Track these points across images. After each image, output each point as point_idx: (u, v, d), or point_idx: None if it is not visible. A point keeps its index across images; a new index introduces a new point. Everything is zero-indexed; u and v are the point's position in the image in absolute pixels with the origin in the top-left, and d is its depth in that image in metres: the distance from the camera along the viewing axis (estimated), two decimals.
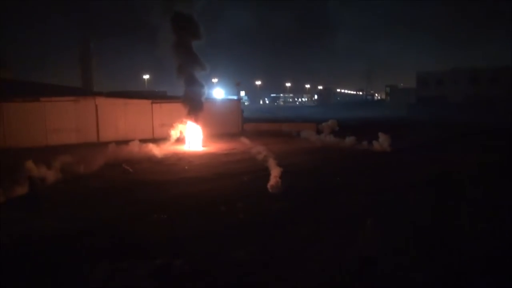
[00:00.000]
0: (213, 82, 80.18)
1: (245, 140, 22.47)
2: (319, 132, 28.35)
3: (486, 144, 22.26)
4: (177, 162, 18.85)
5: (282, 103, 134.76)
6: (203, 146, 23.79)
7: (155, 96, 33.37)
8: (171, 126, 25.19)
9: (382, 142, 21.18)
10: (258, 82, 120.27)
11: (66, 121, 25.56)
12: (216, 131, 28.07)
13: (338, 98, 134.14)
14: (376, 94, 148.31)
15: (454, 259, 7.12)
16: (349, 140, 23.58)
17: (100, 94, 28.49)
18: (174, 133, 25.00)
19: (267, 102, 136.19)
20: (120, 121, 26.56)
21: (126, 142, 22.41)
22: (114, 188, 13.15)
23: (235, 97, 58.47)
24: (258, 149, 19.18)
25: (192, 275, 6.71)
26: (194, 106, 24.18)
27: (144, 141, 23.10)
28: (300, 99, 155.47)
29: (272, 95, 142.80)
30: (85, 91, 33.21)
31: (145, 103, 28.26)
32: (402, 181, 13.59)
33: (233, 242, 8.10)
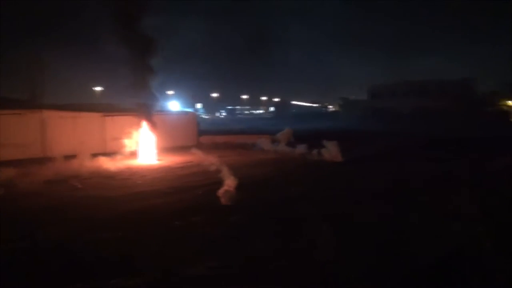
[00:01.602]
0: (168, 95, 79.22)
1: (200, 153, 22.25)
2: (274, 142, 28.70)
3: (434, 154, 23.52)
4: (130, 176, 18.33)
5: (238, 115, 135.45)
6: (157, 160, 23.34)
7: (107, 108, 32.29)
8: (124, 139, 24.58)
9: (331, 149, 21.86)
10: (215, 95, 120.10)
11: (9, 135, 24.10)
12: (171, 144, 27.67)
13: (294, 110, 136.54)
14: (330, 106, 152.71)
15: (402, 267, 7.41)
16: (300, 148, 24.28)
17: (48, 107, 27.15)
18: (127, 147, 24.39)
19: (223, 114, 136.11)
20: (69, 135, 25.39)
21: (75, 156, 21.54)
22: (61, 206, 12.50)
23: (190, 110, 58.02)
24: (214, 162, 19.05)
25: None
26: (148, 119, 23.77)
27: (95, 155, 22.34)
28: (256, 111, 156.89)
29: (228, 107, 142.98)
30: (31, 103, 31.55)
31: (96, 116, 27.30)
32: (354, 191, 14.03)
33: (190, 258, 7.96)
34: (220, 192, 12.33)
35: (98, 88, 72.30)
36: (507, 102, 66.93)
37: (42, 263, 7.82)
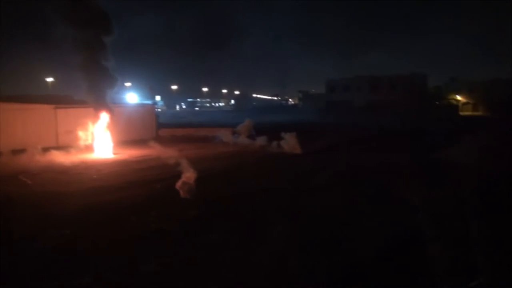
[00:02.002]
0: (126, 86, 76.72)
1: (159, 146, 21.68)
2: (235, 135, 28.52)
3: (383, 145, 24.38)
4: (84, 171, 17.54)
5: (198, 108, 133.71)
6: (114, 154, 22.51)
7: (59, 100, 30.70)
8: (78, 132, 23.51)
9: (289, 141, 22.09)
10: (174, 87, 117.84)
11: None
12: (128, 138, 26.82)
13: (254, 103, 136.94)
14: (290, 99, 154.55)
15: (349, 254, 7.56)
16: (260, 140, 24.42)
17: None
18: (82, 140, 23.36)
19: (184, 107, 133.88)
20: (18, 129, 23.89)
21: (26, 151, 20.35)
22: (8, 203, 11.71)
23: (149, 102, 56.47)
24: (173, 155, 18.62)
25: None
26: (104, 111, 22.82)
27: (47, 149, 21.20)
28: (217, 104, 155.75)
29: (189, 99, 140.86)
30: None
31: (48, 108, 25.85)
32: (313, 182, 14.21)
33: (144, 255, 7.66)
34: (179, 186, 12.03)
35: (50, 79, 68.64)
36: (455, 96, 70.59)
37: None
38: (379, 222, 9.41)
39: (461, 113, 63.40)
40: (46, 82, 72.82)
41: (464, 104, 69.55)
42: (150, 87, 76.39)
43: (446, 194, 10.86)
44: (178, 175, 13.12)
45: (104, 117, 22.81)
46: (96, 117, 22.79)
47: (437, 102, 67.13)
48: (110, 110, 23.00)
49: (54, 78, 72.38)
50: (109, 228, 9.30)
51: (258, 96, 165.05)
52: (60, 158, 20.15)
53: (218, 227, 9.29)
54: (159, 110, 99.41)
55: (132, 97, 61.38)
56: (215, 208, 10.97)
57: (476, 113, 65.37)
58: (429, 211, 9.13)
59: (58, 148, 22.24)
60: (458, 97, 70.38)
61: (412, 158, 18.61)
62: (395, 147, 23.26)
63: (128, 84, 78.60)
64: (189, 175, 12.49)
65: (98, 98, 22.31)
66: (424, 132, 31.89)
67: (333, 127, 39.35)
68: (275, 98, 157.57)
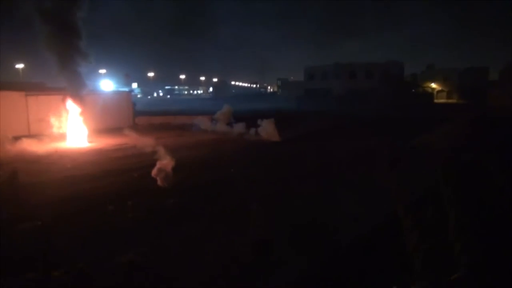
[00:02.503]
0: (100, 73, 74.76)
1: (136, 135, 21.29)
2: (213, 122, 28.25)
3: (361, 132, 24.68)
4: (58, 160, 17.05)
5: (176, 95, 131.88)
6: (88, 142, 21.98)
7: (30, 87, 29.64)
8: (50, 120, 22.83)
9: (267, 128, 22.10)
10: (151, 74, 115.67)
11: None
12: (104, 126, 26.21)
13: (233, 91, 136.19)
14: (269, 87, 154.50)
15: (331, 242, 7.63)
16: (238, 127, 24.37)
17: None
18: (55, 129, 22.70)
19: (161, 94, 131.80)
20: None
21: None
22: None
23: (125, 89, 55.25)
24: (150, 144, 18.31)
25: (72, 285, 6.04)
26: (77, 98, 22.16)
27: (18, 138, 20.48)
28: (195, 92, 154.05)
29: (166, 87, 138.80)
30: None
31: (18, 95, 24.90)
32: (292, 170, 14.25)
33: (121, 245, 7.51)
34: (156, 174, 11.85)
35: (20, 66, 66.18)
36: (430, 84, 71.99)
37: None
38: (355, 209, 9.53)
39: (436, 101, 64.86)
40: (17, 69, 70.22)
41: (438, 91, 71.11)
42: (126, 74, 74.93)
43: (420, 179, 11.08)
44: (155, 164, 12.94)
45: (78, 104, 22.15)
46: (69, 105, 22.10)
47: (413, 90, 68.33)
48: (82, 97, 22.34)
49: (26, 65, 69.88)
50: (84, 218, 9.08)
51: (237, 83, 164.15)
52: (32, 147, 19.52)
53: (195, 215, 9.21)
54: (139, 97, 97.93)
55: (107, 84, 59.88)
56: (193, 196, 10.87)
57: (450, 101, 66.99)
58: (405, 198, 9.27)
59: (30, 136, 21.52)
60: (433, 85, 71.83)
61: (387, 144, 18.91)
62: (372, 134, 23.59)
63: (103, 71, 76.67)
64: (166, 163, 12.32)
65: (71, 84, 21.59)
66: (399, 119, 32.45)
67: (311, 115, 39.56)
68: (254, 85, 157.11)
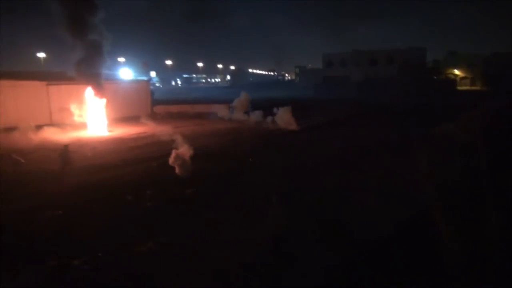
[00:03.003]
0: (120, 62, 75.39)
1: (154, 123, 21.51)
2: (231, 110, 28.11)
3: (382, 120, 24.20)
4: (79, 148, 17.29)
5: (195, 84, 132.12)
6: (108, 131, 22.24)
7: (52, 77, 30.10)
8: (71, 109, 23.18)
9: (283, 116, 21.92)
10: (169, 62, 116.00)
11: None
12: (123, 114, 26.46)
13: (251, 79, 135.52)
14: (287, 75, 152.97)
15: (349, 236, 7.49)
16: (255, 115, 24.39)
17: None
18: (76, 118, 23.05)
19: (179, 83, 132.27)
20: (8, 106, 23.45)
21: (18, 129, 20.03)
22: (2, 182, 11.54)
23: (144, 78, 55.58)
24: (168, 132, 18.43)
25: (93, 274, 6.13)
26: (97, 87, 22.37)
27: (40, 127, 20.90)
28: (213, 80, 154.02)
29: (184, 75, 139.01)
30: None
31: (40, 85, 25.31)
32: (309, 159, 14.08)
33: (140, 235, 7.58)
34: (173, 163, 11.87)
35: (41, 55, 67.30)
36: (453, 71, 69.89)
37: None
38: (376, 203, 9.33)
39: (459, 88, 63.02)
40: (38, 58, 71.48)
41: (462, 78, 69.02)
42: (144, 63, 75.15)
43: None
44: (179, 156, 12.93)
45: (98, 93, 22.37)
46: (89, 94, 22.35)
47: (435, 77, 66.49)
48: (103, 86, 22.53)
49: (47, 54, 71.02)
50: (103, 208, 9.20)
51: (255, 71, 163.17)
52: (53, 135, 19.91)
53: (213, 206, 9.20)
54: (158, 86, 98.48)
55: (126, 73, 60.38)
56: (211, 186, 10.87)
57: (473, 88, 65.02)
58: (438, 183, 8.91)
59: (52, 125, 21.91)
60: (456, 72, 69.75)
61: (409, 133, 18.45)
62: (392, 122, 23.10)
63: (122, 59, 77.27)
64: (183, 152, 12.32)
65: (90, 74, 21.78)
66: (420, 107, 31.68)
67: (330, 103, 39.01)
68: (272, 73, 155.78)
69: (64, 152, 12.77)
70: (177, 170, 11.73)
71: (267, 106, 25.55)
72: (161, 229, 7.86)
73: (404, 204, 8.77)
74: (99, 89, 22.41)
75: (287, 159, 14.35)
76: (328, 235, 7.43)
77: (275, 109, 22.95)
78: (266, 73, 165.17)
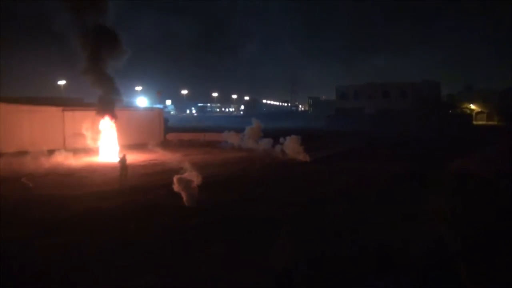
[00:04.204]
0: (136, 91, 77.08)
1: (165, 151, 21.57)
2: (242, 138, 28.02)
3: (395, 153, 23.79)
4: (89, 174, 17.34)
5: (209, 112, 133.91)
6: (119, 157, 22.27)
7: (68, 103, 30.76)
8: (85, 135, 23.40)
9: (291, 145, 21.91)
10: (184, 91, 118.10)
11: None
12: (135, 141, 26.61)
13: (264, 109, 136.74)
14: (300, 106, 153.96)
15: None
16: (264, 142, 24.89)
17: (1, 99, 25.36)
18: (88, 143, 23.24)
19: (194, 111, 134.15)
20: (24, 130, 23.86)
21: (31, 153, 20.22)
22: (6, 206, 11.45)
23: (159, 106, 56.52)
24: (179, 160, 18.38)
25: None
26: (110, 114, 22.65)
27: (53, 151, 21.07)
28: (227, 109, 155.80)
29: (199, 104, 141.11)
30: None
31: (55, 110, 25.81)
32: (319, 192, 13.75)
33: (140, 267, 7.32)
34: (181, 191, 11.68)
35: (61, 82, 69.22)
36: (469, 105, 69.28)
37: None
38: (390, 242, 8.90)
39: (475, 123, 62.22)
40: (59, 85, 73.51)
41: (478, 113, 68.28)
42: (158, 91, 76.55)
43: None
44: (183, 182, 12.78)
45: (111, 120, 22.62)
46: (102, 120, 22.61)
47: (450, 111, 65.94)
48: (114, 113, 22.80)
49: (66, 81, 73.05)
50: (105, 236, 8.98)
51: (268, 102, 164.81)
52: (65, 160, 20.05)
53: (216, 238, 8.92)
54: (172, 113, 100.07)
55: (141, 101, 61.58)
56: (216, 216, 10.60)
57: (490, 123, 64.12)
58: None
59: (65, 150, 22.09)
60: (472, 106, 69.11)
61: (428, 169, 18.04)
62: (406, 156, 22.68)
63: (139, 88, 78.99)
64: (192, 181, 12.14)
65: (105, 101, 22.15)
66: (434, 142, 31.18)
67: (342, 134, 38.76)
68: (285, 104, 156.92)
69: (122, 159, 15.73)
70: (184, 199, 11.53)
71: (278, 136, 25.43)
72: (160, 261, 7.58)
73: (413, 239, 8.34)
74: (112, 116, 22.66)
75: (295, 191, 14.04)
76: (333, 272, 7.05)
77: (281, 139, 22.95)
78: (280, 103, 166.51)
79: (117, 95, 22.81)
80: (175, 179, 11.71)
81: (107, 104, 22.22)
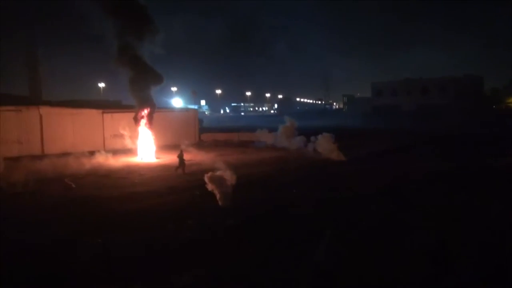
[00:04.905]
0: (172, 91, 78.75)
1: (200, 151, 21.80)
2: (276, 137, 27.88)
3: (434, 152, 22.86)
4: (127, 175, 17.80)
5: (243, 112, 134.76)
6: (156, 158, 22.80)
7: (107, 105, 31.84)
8: (123, 136, 24.07)
9: (324, 143, 21.67)
10: (218, 91, 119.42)
11: (7, 132, 23.67)
12: (171, 142, 27.05)
13: (298, 108, 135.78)
14: (335, 104, 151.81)
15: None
16: (296, 141, 25.04)
17: (45, 103, 26.66)
18: (127, 144, 23.90)
19: (228, 111, 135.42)
20: (67, 132, 24.94)
21: (73, 154, 21.04)
22: (50, 207, 11.94)
23: (194, 107, 57.45)
24: (213, 160, 18.51)
25: None
26: (147, 115, 23.17)
27: (94, 152, 21.82)
28: (260, 108, 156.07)
29: (232, 104, 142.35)
30: (29, 100, 31.14)
31: (95, 113, 26.80)
32: (356, 191, 13.40)
33: (178, 266, 7.39)
34: (216, 192, 11.72)
35: (101, 85, 71.92)
36: None
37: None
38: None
39: None
40: (98, 88, 76.43)
41: None
42: (192, 91, 77.77)
43: None
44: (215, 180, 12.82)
45: (148, 121, 23.13)
46: (140, 122, 23.15)
47: (494, 106, 62.79)
48: (153, 115, 23.31)
49: (106, 84, 75.77)
50: (143, 237, 9.14)
51: (302, 100, 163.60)
52: (104, 161, 20.68)
53: (254, 238, 8.85)
54: (207, 114, 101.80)
55: (177, 102, 62.84)
56: (252, 217, 10.54)
57: None
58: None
59: (105, 151, 22.80)
60: None
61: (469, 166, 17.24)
62: (448, 154, 21.74)
63: (174, 88, 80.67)
64: (228, 182, 12.15)
65: (142, 102, 22.68)
66: (479, 138, 29.71)
67: (380, 133, 37.70)
68: (319, 102, 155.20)
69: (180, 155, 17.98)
70: (218, 200, 11.56)
71: (312, 134, 25.07)
72: (197, 261, 7.62)
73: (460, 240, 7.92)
74: (150, 117, 23.16)
75: (332, 191, 13.74)
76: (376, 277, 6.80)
77: (312, 137, 22.89)
78: (314, 102, 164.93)
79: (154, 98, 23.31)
80: (206, 177, 11.75)
81: (146, 106, 22.72)
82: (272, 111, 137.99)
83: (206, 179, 11.76)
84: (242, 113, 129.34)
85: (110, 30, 22.15)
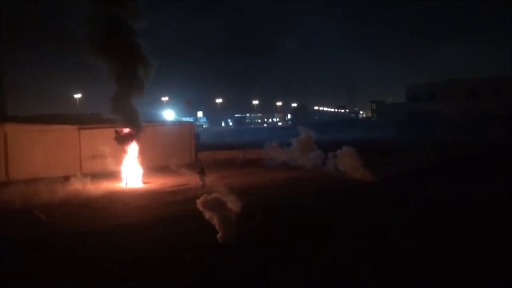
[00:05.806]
0: (163, 102, 79.39)
1: (197, 173, 21.86)
2: (290, 153, 27.77)
3: (484, 170, 22.64)
4: (109, 204, 17.92)
5: (249, 124, 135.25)
6: (144, 182, 22.89)
7: (85, 120, 32.22)
8: (104, 157, 24.21)
9: (344, 159, 22.10)
10: (219, 100, 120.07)
11: None
12: (162, 162, 27.22)
13: (316, 117, 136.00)
14: (361, 112, 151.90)
15: None
16: (313, 156, 25.55)
17: (10, 119, 27.03)
18: (108, 166, 24.04)
19: (230, 123, 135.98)
20: (37, 153, 25.16)
21: (44, 180, 21.23)
22: (15, 245, 11.95)
23: (189, 119, 57.83)
24: (213, 185, 18.58)
25: None
26: (133, 132, 23.29)
27: (68, 177, 22.00)
28: (270, 119, 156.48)
29: (236, 115, 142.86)
30: None
31: (70, 129, 27.10)
32: (389, 221, 13.35)
33: None
34: (218, 226, 11.71)
35: (77, 96, 72.98)
36: None
37: None
38: None
39: None
40: (74, 99, 77.46)
41: None
42: (187, 102, 78.01)
43: None
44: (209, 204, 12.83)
45: (134, 139, 23.24)
46: (124, 140, 23.23)
47: None
48: (140, 131, 23.42)
49: (82, 94, 76.77)
50: (125, 281, 9.18)
51: (321, 108, 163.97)
52: (83, 188, 20.80)
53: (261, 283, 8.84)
54: (205, 127, 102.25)
55: (168, 114, 63.30)
56: (259, 255, 10.52)
57: None
58: None
59: (82, 175, 22.91)
60: None
61: None
62: (498, 171, 21.55)
63: (165, 98, 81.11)
64: (229, 213, 12.15)
65: (126, 115, 22.86)
66: None
67: (418, 145, 37.43)
68: (342, 110, 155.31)
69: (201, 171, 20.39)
70: (219, 233, 11.55)
71: (331, 150, 24.95)
72: None
73: None
74: (136, 134, 23.25)
75: (358, 220, 13.69)
76: None
77: (329, 153, 23.72)
78: (335, 110, 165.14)
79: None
80: (198, 203, 11.73)
81: (131, 120, 22.90)
82: (282, 123, 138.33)
83: (199, 205, 11.77)
84: (252, 125, 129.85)
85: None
